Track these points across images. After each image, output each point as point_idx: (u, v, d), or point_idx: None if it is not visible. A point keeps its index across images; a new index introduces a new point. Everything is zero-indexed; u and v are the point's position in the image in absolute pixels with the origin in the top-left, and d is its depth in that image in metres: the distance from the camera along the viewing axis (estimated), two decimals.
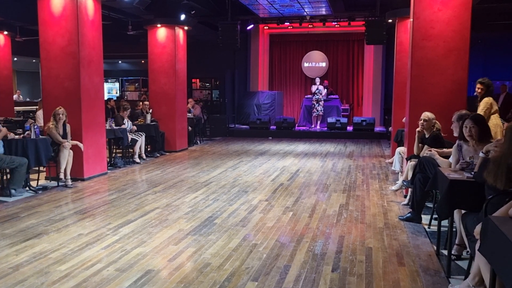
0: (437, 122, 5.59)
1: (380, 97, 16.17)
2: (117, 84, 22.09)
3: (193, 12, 12.42)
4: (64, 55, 7.37)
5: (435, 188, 4.34)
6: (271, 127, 15.17)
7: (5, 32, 12.76)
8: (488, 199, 3.06)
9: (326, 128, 14.95)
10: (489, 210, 3.04)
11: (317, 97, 14.91)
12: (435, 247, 4.27)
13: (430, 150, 5.08)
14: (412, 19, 6.24)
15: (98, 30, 7.84)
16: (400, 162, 7.17)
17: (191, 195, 6.43)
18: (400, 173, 7.20)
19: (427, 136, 5.53)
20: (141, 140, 9.32)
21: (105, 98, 17.70)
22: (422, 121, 5.55)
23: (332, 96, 16.13)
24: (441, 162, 4.78)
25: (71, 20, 7.30)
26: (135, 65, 21.53)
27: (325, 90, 15.24)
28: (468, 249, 3.78)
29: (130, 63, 21.79)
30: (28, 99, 18.47)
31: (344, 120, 14.87)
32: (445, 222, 4.39)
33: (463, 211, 3.82)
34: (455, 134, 4.74)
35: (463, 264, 3.86)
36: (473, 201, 3.49)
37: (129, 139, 8.96)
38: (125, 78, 22.09)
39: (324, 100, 15.14)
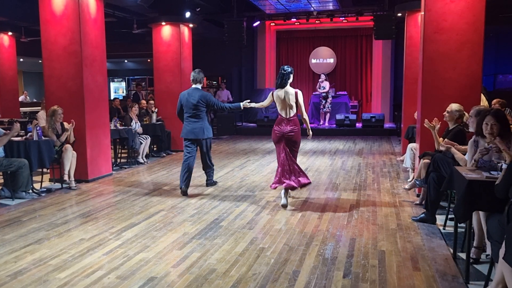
0: (465, 114, 5.26)
1: (389, 93, 15.90)
2: (123, 84, 22.03)
3: (198, 9, 12.27)
4: (66, 55, 7.23)
5: (451, 189, 4.14)
6: None
7: (10, 33, 12.67)
8: (511, 201, 2.86)
9: (334, 125, 14.71)
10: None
11: (323, 94, 14.68)
12: (451, 250, 4.06)
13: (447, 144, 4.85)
14: (423, 12, 6.01)
15: (100, 29, 7.69)
16: (411, 159, 6.95)
17: (197, 196, 6.27)
18: (411, 170, 6.99)
19: (450, 128, 5.30)
20: (145, 143, 9.18)
21: (112, 97, 17.68)
22: (445, 112, 5.31)
23: (340, 93, 15.88)
24: (458, 158, 4.56)
25: (73, 19, 7.15)
26: (141, 64, 21.44)
27: (328, 84, 14.88)
28: (487, 252, 3.59)
29: (136, 62, 21.71)
30: (35, 100, 18.46)
31: (353, 116, 14.62)
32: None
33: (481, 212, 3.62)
34: (472, 130, 4.52)
35: (482, 268, 3.65)
36: (493, 202, 3.28)
37: (137, 144, 8.87)
38: (131, 77, 22.00)
39: (332, 97, 14.90)
